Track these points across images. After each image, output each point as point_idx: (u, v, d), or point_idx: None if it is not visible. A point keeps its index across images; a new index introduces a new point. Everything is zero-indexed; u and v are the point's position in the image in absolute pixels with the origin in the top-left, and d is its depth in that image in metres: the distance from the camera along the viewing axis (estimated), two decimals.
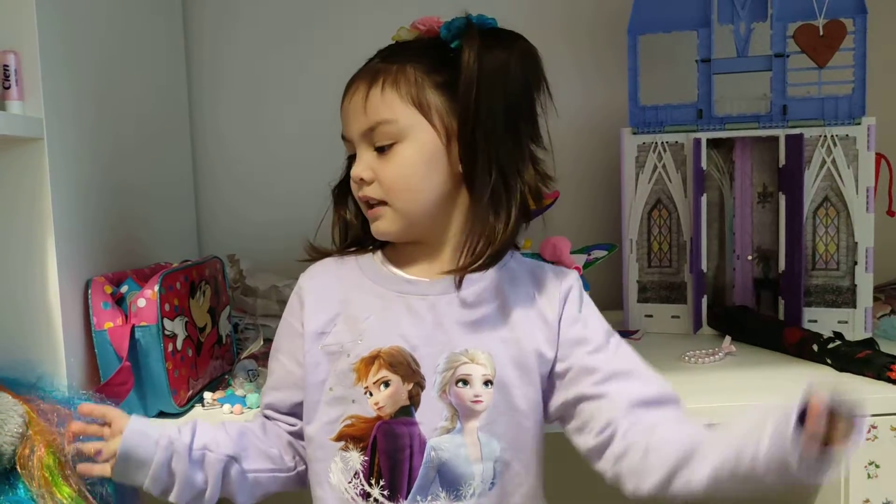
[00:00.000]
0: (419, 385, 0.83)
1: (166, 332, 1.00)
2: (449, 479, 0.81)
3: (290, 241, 1.24)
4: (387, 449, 0.82)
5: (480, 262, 0.85)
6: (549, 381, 0.87)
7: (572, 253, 1.14)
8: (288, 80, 1.56)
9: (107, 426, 0.84)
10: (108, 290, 1.00)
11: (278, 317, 1.32)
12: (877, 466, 1.00)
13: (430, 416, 0.82)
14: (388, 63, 0.87)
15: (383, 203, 0.87)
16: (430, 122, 0.85)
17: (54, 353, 0.94)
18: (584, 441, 0.84)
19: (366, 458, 0.82)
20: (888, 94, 1.44)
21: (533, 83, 0.88)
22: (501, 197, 0.86)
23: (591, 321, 0.89)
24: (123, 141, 1.18)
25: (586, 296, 0.92)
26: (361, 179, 0.87)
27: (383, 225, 0.88)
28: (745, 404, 0.99)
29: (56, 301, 0.94)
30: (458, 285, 0.86)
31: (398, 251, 0.92)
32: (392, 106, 0.85)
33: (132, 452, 0.81)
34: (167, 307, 1.00)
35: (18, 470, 0.82)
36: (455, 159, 0.86)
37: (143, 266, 1.12)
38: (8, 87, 0.89)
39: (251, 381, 1.10)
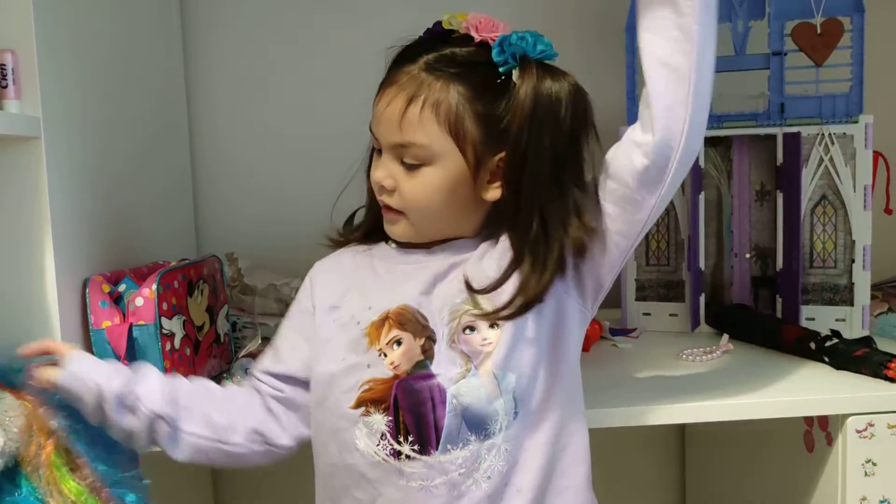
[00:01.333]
0: (430, 339, 0.85)
1: (164, 331, 1.00)
2: (475, 422, 0.82)
3: (289, 239, 1.24)
4: (409, 405, 0.83)
5: (511, 312, 0.84)
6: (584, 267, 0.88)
7: None
8: (287, 77, 1.56)
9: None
10: (106, 288, 1.00)
11: (277, 315, 1.33)
12: (874, 464, 1.00)
13: (445, 366, 0.83)
14: (433, 76, 0.84)
15: (400, 213, 0.88)
16: (463, 151, 0.85)
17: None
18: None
19: (390, 419, 0.83)
20: (886, 92, 1.44)
21: (582, 128, 0.87)
22: (540, 247, 0.85)
23: None
24: (121, 140, 1.18)
25: None
26: (382, 186, 0.87)
27: (397, 230, 0.90)
28: (743, 402, 1.00)
29: (54, 300, 0.94)
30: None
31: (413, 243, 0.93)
32: (428, 130, 0.84)
33: (70, 390, 0.85)
34: (165, 306, 1.01)
35: (24, 469, 0.82)
36: (480, 187, 0.86)
37: (140, 265, 1.12)
38: (5, 86, 0.89)
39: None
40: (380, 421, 0.83)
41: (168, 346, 1.01)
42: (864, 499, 1.00)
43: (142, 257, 1.19)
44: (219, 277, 1.20)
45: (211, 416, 0.90)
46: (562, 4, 1.56)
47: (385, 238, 0.94)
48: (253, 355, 1.17)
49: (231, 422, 0.91)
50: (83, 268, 1.01)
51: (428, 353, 0.84)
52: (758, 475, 1.29)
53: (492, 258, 0.88)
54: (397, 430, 0.83)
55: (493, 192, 0.87)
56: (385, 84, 0.87)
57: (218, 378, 1.16)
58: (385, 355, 0.84)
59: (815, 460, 1.07)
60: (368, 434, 0.84)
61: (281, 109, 1.57)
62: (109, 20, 1.16)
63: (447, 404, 0.82)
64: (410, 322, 0.85)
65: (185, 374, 1.03)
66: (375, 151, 0.91)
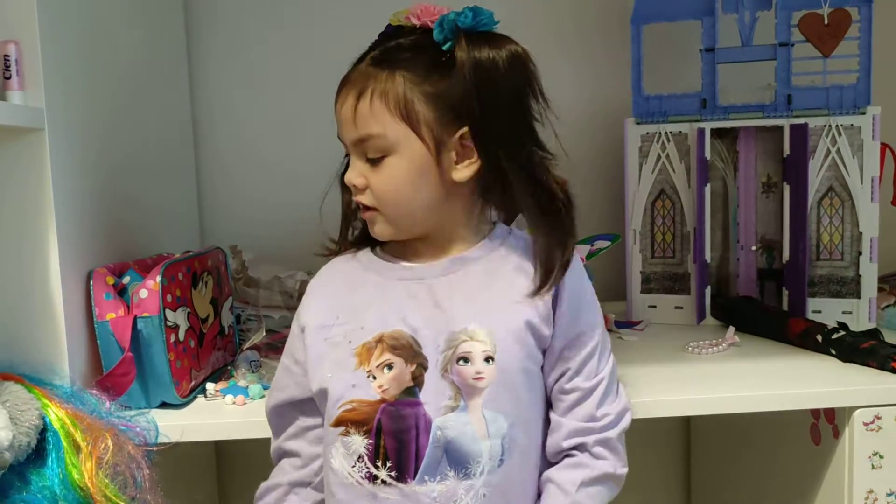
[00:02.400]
0: (422, 366, 0.83)
1: (168, 323, 1.00)
2: (456, 458, 0.82)
3: (293, 231, 1.24)
4: (392, 430, 0.82)
5: (551, 281, 0.86)
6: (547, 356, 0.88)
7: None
8: (290, 69, 1.56)
9: None
10: (111, 280, 1.00)
11: (281, 308, 1.33)
12: (881, 457, 0.99)
13: (434, 395, 0.83)
14: (378, 69, 0.85)
15: (374, 210, 0.88)
16: (419, 135, 0.84)
17: (56, 344, 0.94)
18: None
19: (370, 441, 0.82)
20: (893, 83, 1.43)
21: (524, 86, 0.86)
22: (541, 209, 0.86)
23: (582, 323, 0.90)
24: (125, 131, 1.18)
25: (583, 281, 0.92)
26: (355, 186, 0.88)
27: (378, 228, 0.89)
28: (749, 395, 0.99)
29: (58, 292, 0.94)
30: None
31: (402, 244, 0.92)
32: (381, 120, 0.84)
33: None
34: (169, 298, 1.00)
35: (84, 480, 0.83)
36: (448, 168, 0.86)
37: (145, 257, 1.12)
38: (9, 78, 0.89)
39: (253, 372, 1.10)
40: (359, 443, 0.83)
41: (172, 339, 1.00)
42: (870, 491, 1.00)
43: (146, 249, 1.19)
44: (223, 269, 1.20)
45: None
46: None
47: (374, 245, 0.94)
48: (257, 347, 1.17)
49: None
50: (87, 260, 1.01)
51: (418, 379, 0.83)
52: (764, 468, 1.29)
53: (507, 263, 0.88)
54: (376, 455, 0.82)
55: (464, 172, 0.86)
56: (339, 88, 0.88)
57: (222, 370, 1.16)
58: (374, 378, 0.83)
59: (822, 453, 1.06)
60: (345, 454, 0.83)
61: (286, 103, 1.56)
62: (114, 11, 1.16)
63: (431, 435, 0.81)
64: (404, 347, 0.84)
65: (189, 367, 1.04)
66: (347, 157, 0.91)
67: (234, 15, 1.55)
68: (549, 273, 0.86)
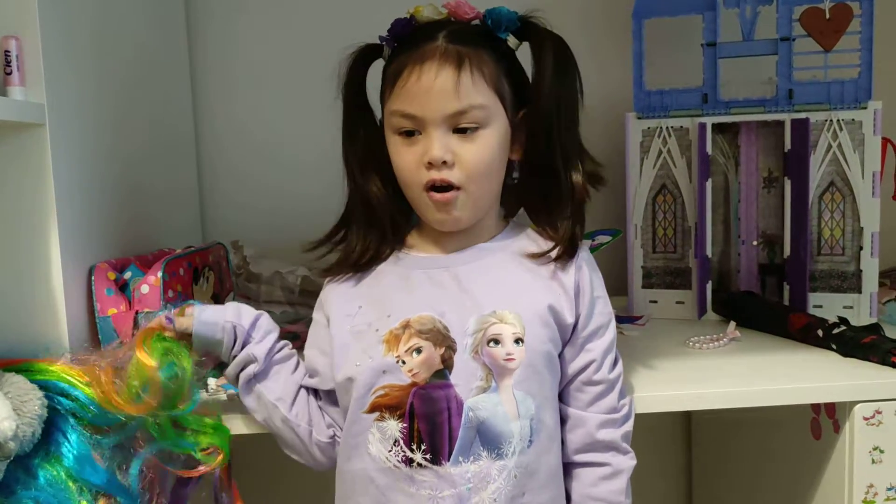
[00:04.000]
0: (451, 349, 0.85)
1: None
2: (489, 438, 0.83)
3: (295, 227, 1.24)
4: (425, 413, 0.83)
5: (565, 254, 0.90)
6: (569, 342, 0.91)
7: None
8: (291, 63, 1.55)
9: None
10: (112, 276, 1.00)
11: (282, 303, 1.33)
12: (881, 451, 0.99)
13: (465, 377, 0.84)
14: (463, 45, 0.86)
15: (457, 189, 0.87)
16: (505, 109, 0.89)
17: (58, 339, 0.94)
18: None
19: (404, 425, 0.83)
20: (895, 77, 1.43)
21: (577, 73, 0.91)
22: (572, 193, 0.90)
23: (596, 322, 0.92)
24: (126, 126, 1.18)
25: (596, 274, 0.95)
26: (444, 162, 0.86)
27: (455, 213, 0.89)
28: (750, 390, 0.99)
29: (59, 287, 0.94)
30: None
31: (419, 237, 0.94)
32: (483, 91, 0.86)
33: (205, 334, 0.91)
34: (170, 293, 1.01)
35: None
36: (512, 147, 0.91)
37: (146, 252, 1.12)
38: (10, 73, 0.89)
39: None
40: (394, 427, 0.84)
41: None
42: (871, 486, 1.00)
43: (148, 244, 1.19)
44: (224, 265, 1.20)
45: (286, 382, 0.94)
46: None
47: (390, 250, 0.95)
48: None
49: (292, 392, 0.94)
50: (89, 255, 1.01)
51: (448, 362, 0.84)
52: (765, 463, 1.29)
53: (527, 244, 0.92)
54: (411, 438, 0.83)
55: (517, 154, 0.92)
56: (411, 62, 0.86)
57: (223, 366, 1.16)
58: (403, 362, 0.84)
59: (823, 448, 1.06)
60: (381, 439, 0.84)
61: (286, 97, 1.56)
62: (115, 6, 1.16)
63: (463, 416, 0.82)
64: (432, 331, 0.85)
65: None
66: (401, 135, 0.89)
67: (238, 19, 1.55)
68: (573, 247, 0.91)
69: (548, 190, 0.91)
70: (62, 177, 0.94)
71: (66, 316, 0.94)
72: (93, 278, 0.99)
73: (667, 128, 1.33)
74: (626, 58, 1.37)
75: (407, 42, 0.89)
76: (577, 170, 0.90)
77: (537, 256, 0.91)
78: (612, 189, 1.48)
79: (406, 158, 0.88)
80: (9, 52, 0.88)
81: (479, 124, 0.86)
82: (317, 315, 0.96)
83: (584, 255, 0.93)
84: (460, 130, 0.86)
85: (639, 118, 1.35)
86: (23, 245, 0.93)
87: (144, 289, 0.98)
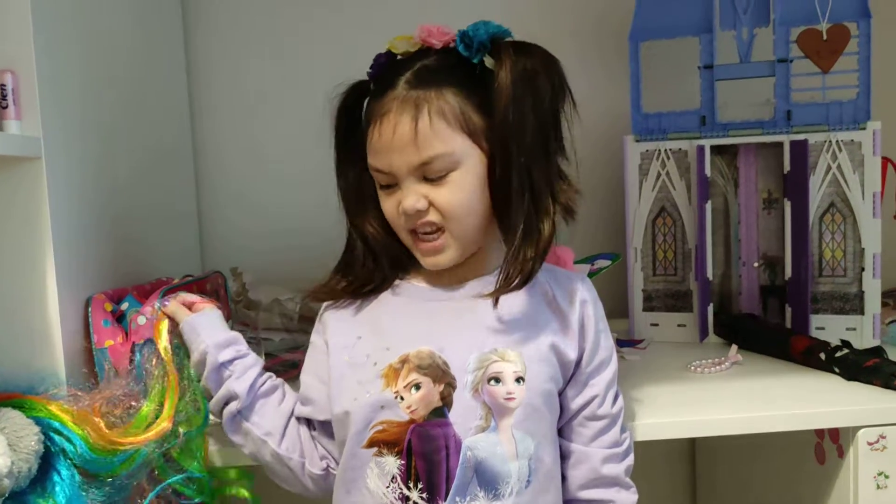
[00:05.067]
0: (450, 385, 0.83)
1: None
2: (487, 479, 0.82)
3: (294, 254, 1.24)
4: (423, 451, 0.82)
5: (513, 286, 0.85)
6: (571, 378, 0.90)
7: (576, 263, 1.13)
8: (287, 93, 1.56)
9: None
10: (109, 307, 1.00)
11: (280, 330, 1.33)
12: (886, 477, 0.98)
13: (464, 415, 0.83)
14: (422, 89, 0.84)
15: (440, 230, 0.86)
16: (479, 144, 0.85)
17: (55, 372, 0.93)
18: None
19: (402, 462, 0.82)
20: (893, 98, 1.42)
21: (559, 94, 0.87)
22: (533, 221, 0.85)
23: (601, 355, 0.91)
24: (123, 159, 1.18)
25: (599, 306, 0.93)
26: (418, 210, 0.85)
27: (445, 257, 0.88)
28: (753, 415, 0.98)
29: (56, 319, 0.93)
30: (495, 305, 0.86)
31: (421, 268, 0.92)
32: (444, 138, 0.84)
33: (184, 335, 0.94)
34: (168, 324, 1.00)
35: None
36: (491, 178, 0.86)
37: (144, 282, 1.12)
38: (5, 107, 0.89)
39: None
40: (392, 463, 0.82)
41: None
42: None
43: (146, 274, 1.19)
44: (222, 293, 1.20)
45: (273, 416, 0.93)
46: (560, 13, 1.55)
47: (392, 279, 0.94)
48: None
49: (280, 426, 0.93)
50: (86, 286, 1.01)
51: (447, 399, 0.83)
52: (769, 488, 1.27)
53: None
54: (408, 475, 0.82)
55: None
56: (375, 116, 0.86)
57: None
58: (402, 398, 0.83)
59: (827, 473, 1.05)
60: (380, 475, 0.83)
61: (283, 126, 1.56)
62: (111, 40, 1.16)
63: (461, 455, 0.81)
64: (431, 367, 0.84)
65: None
66: (382, 189, 0.89)
67: (235, 51, 1.56)
68: (526, 277, 0.86)
69: (514, 221, 0.86)
70: (59, 209, 0.94)
71: (63, 348, 0.94)
72: (90, 310, 0.99)
73: (665, 150, 1.33)
74: (623, 80, 1.37)
75: (377, 85, 0.88)
76: (546, 214, 0.86)
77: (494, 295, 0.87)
78: (611, 212, 1.50)
79: (388, 207, 0.89)
80: (4, 86, 0.89)
81: (446, 170, 0.84)
82: (316, 339, 0.95)
83: (586, 287, 0.92)
84: (430, 179, 0.85)
85: (637, 141, 1.35)
86: (19, 277, 0.93)
87: (141, 320, 0.98)
